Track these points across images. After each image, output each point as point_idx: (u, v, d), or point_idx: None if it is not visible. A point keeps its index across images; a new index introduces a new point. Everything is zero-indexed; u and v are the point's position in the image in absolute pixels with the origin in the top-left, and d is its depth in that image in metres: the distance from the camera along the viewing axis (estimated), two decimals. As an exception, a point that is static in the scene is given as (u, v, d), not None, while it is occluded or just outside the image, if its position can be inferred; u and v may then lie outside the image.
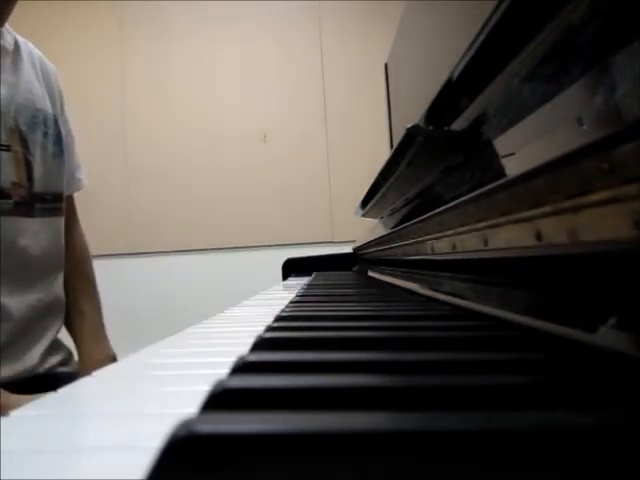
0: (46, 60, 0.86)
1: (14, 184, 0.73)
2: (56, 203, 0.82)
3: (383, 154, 0.82)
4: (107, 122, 2.51)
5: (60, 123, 0.83)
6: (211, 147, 2.50)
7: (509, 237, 0.30)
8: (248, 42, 2.54)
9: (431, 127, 0.47)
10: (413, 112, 0.68)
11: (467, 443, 0.12)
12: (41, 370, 0.78)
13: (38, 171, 0.77)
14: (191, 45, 2.54)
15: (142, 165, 2.51)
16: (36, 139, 0.77)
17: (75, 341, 0.90)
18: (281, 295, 0.74)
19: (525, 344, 0.26)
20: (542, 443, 0.12)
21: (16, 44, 0.78)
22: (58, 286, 0.84)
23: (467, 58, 0.36)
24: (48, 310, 0.82)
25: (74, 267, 0.89)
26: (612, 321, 0.21)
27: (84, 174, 0.93)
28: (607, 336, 0.21)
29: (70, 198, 0.91)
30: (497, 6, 0.30)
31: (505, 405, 0.16)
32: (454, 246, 0.43)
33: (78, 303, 0.89)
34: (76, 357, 0.90)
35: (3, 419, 0.18)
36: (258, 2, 2.51)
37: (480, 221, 0.35)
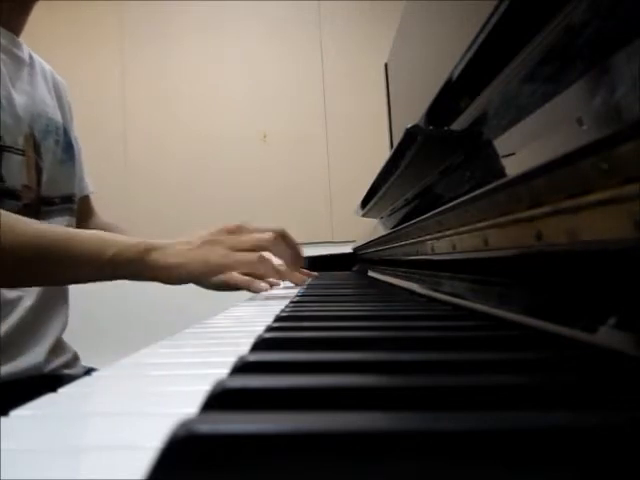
0: (56, 74, 0.90)
1: (25, 187, 0.76)
2: (66, 204, 0.85)
3: (383, 154, 0.82)
4: (107, 122, 2.51)
5: (70, 134, 0.88)
6: (211, 147, 2.50)
7: (509, 237, 0.30)
8: (248, 42, 2.54)
9: (431, 127, 0.47)
10: (413, 112, 0.68)
11: (467, 443, 0.12)
12: (46, 370, 0.78)
13: (46, 176, 0.80)
14: (191, 45, 2.54)
15: (142, 165, 2.51)
16: (48, 146, 0.81)
17: None
18: (281, 294, 0.74)
19: (525, 344, 0.26)
20: (542, 443, 0.12)
21: (30, 57, 0.83)
22: None
23: (467, 58, 0.36)
24: (55, 301, 0.84)
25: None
26: (612, 321, 0.21)
27: (90, 181, 0.98)
28: (607, 336, 0.21)
29: (86, 198, 0.97)
30: (497, 6, 0.30)
31: (505, 405, 0.16)
32: (454, 246, 0.43)
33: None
34: (82, 360, 0.90)
35: (3, 419, 0.18)
36: (258, 2, 2.51)
37: (480, 221, 0.35)
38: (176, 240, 0.66)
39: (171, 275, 0.62)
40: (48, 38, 2.32)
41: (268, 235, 0.66)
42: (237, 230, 0.66)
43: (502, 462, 0.12)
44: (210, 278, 0.64)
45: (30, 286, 0.70)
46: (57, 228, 0.63)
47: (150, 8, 2.55)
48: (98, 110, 2.48)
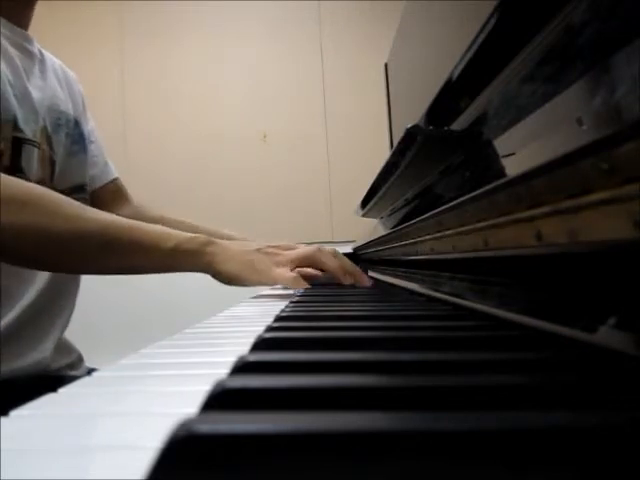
0: (65, 67, 0.91)
1: (39, 180, 0.77)
2: (77, 194, 0.85)
3: (383, 154, 0.82)
4: (107, 122, 2.51)
5: (82, 125, 0.88)
6: (211, 147, 2.49)
7: (509, 237, 0.30)
8: (248, 42, 2.54)
9: (431, 127, 0.47)
10: (413, 112, 0.68)
11: (467, 443, 0.12)
12: (52, 368, 0.79)
13: (58, 168, 0.82)
14: (191, 45, 2.54)
15: (142, 165, 2.51)
16: (60, 139, 0.82)
17: None
18: (281, 295, 0.74)
19: (525, 344, 0.26)
20: (542, 443, 0.12)
21: (40, 52, 0.83)
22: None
23: (467, 58, 0.36)
24: (65, 288, 0.85)
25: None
26: (612, 321, 0.21)
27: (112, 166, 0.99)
28: (607, 336, 0.21)
29: (112, 184, 0.97)
30: (497, 6, 0.30)
31: (505, 405, 0.16)
32: (454, 246, 0.43)
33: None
34: (86, 362, 0.90)
35: (3, 419, 0.18)
36: (258, 2, 2.51)
37: (480, 221, 0.35)
38: (234, 240, 0.72)
39: (220, 267, 0.67)
40: (48, 38, 2.31)
41: (311, 248, 0.74)
42: (290, 248, 0.74)
43: (502, 462, 0.12)
44: (249, 282, 0.68)
45: (90, 273, 0.73)
46: (121, 218, 0.65)
47: (150, 8, 2.55)
48: (98, 110, 2.47)
